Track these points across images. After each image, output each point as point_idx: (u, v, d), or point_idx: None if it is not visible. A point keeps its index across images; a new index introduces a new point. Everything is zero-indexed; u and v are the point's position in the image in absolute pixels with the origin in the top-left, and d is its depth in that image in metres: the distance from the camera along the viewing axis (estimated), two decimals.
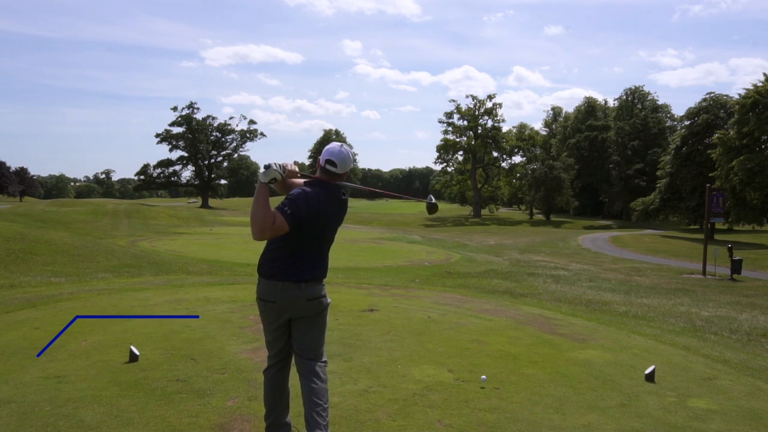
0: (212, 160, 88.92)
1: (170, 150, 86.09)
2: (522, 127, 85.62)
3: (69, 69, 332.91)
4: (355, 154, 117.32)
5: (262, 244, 3.10)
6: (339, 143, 3.09)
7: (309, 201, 2.93)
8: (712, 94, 49.27)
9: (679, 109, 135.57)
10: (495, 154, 76.82)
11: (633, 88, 78.76)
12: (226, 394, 3.87)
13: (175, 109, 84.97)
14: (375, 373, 4.45)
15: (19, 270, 11.46)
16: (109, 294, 7.97)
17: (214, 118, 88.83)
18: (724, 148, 37.99)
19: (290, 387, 3.24)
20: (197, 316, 6.22)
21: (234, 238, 26.80)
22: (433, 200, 3.51)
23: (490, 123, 74.99)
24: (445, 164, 79.39)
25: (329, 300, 3.19)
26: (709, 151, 41.81)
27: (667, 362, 5.31)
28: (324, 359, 3.16)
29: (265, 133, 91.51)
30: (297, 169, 3.13)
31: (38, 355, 4.62)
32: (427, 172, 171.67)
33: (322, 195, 3.01)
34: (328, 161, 3.03)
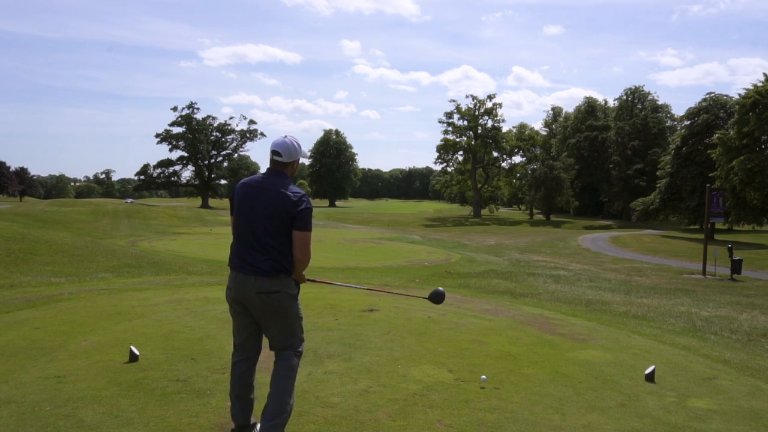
0: (212, 160, 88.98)
1: (170, 150, 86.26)
2: (522, 127, 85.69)
3: (68, 69, 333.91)
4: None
5: None
6: (285, 135, 3.27)
7: (237, 186, 3.27)
8: (711, 94, 49.26)
9: (679, 109, 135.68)
10: (495, 154, 76.83)
11: (633, 88, 78.69)
12: (226, 394, 3.86)
13: (175, 109, 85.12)
14: (375, 373, 4.45)
15: (19, 270, 11.46)
16: (109, 294, 7.97)
17: (214, 118, 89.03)
18: (724, 148, 38.00)
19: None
20: None
21: None
22: (441, 290, 3.84)
23: (490, 123, 75.06)
24: (445, 164, 79.44)
25: (292, 292, 3.16)
26: (709, 151, 41.81)
27: (667, 362, 5.30)
28: (299, 350, 3.24)
29: (265, 133, 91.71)
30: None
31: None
32: (427, 172, 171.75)
33: (253, 181, 3.22)
34: (273, 152, 3.20)
